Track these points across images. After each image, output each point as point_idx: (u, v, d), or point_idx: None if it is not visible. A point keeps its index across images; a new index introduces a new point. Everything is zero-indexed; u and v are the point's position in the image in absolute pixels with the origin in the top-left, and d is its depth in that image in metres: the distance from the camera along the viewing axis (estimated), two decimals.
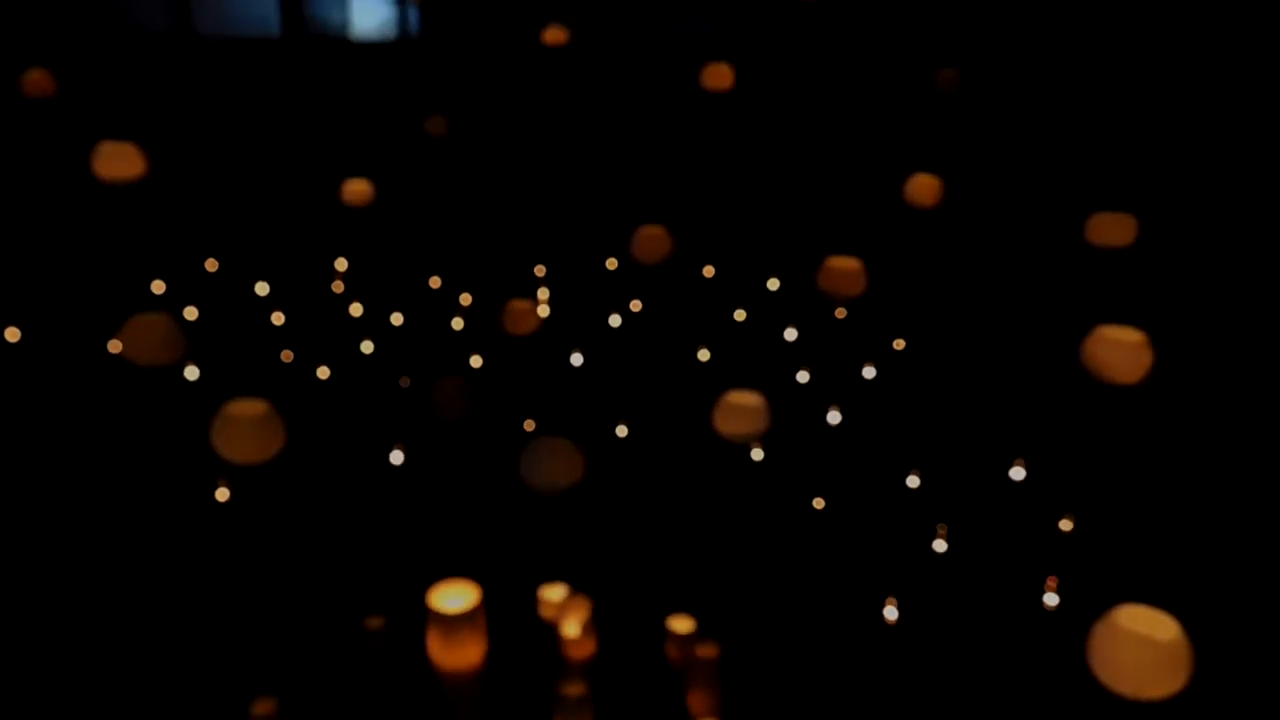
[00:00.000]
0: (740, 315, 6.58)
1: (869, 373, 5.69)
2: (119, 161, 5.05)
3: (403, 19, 9.26)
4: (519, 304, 5.28)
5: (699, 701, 3.14)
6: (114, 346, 5.53)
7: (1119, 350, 3.69)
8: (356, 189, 6.11)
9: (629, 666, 3.34)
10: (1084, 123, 7.56)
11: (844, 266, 4.86)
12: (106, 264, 6.71)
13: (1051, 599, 3.87)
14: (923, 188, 5.53)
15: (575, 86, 8.70)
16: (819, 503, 4.56)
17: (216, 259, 7.05)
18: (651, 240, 5.43)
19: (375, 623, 3.28)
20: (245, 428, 3.30)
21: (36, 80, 5.99)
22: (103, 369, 5.58)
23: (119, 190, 5.10)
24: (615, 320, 6.48)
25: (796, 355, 5.98)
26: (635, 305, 6.71)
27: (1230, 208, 6.86)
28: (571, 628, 3.13)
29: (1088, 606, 2.70)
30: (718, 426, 3.93)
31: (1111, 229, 5.00)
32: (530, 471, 3.39)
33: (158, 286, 6.51)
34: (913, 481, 4.66)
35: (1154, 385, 3.84)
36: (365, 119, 8.51)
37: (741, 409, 3.89)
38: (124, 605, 3.78)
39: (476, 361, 5.87)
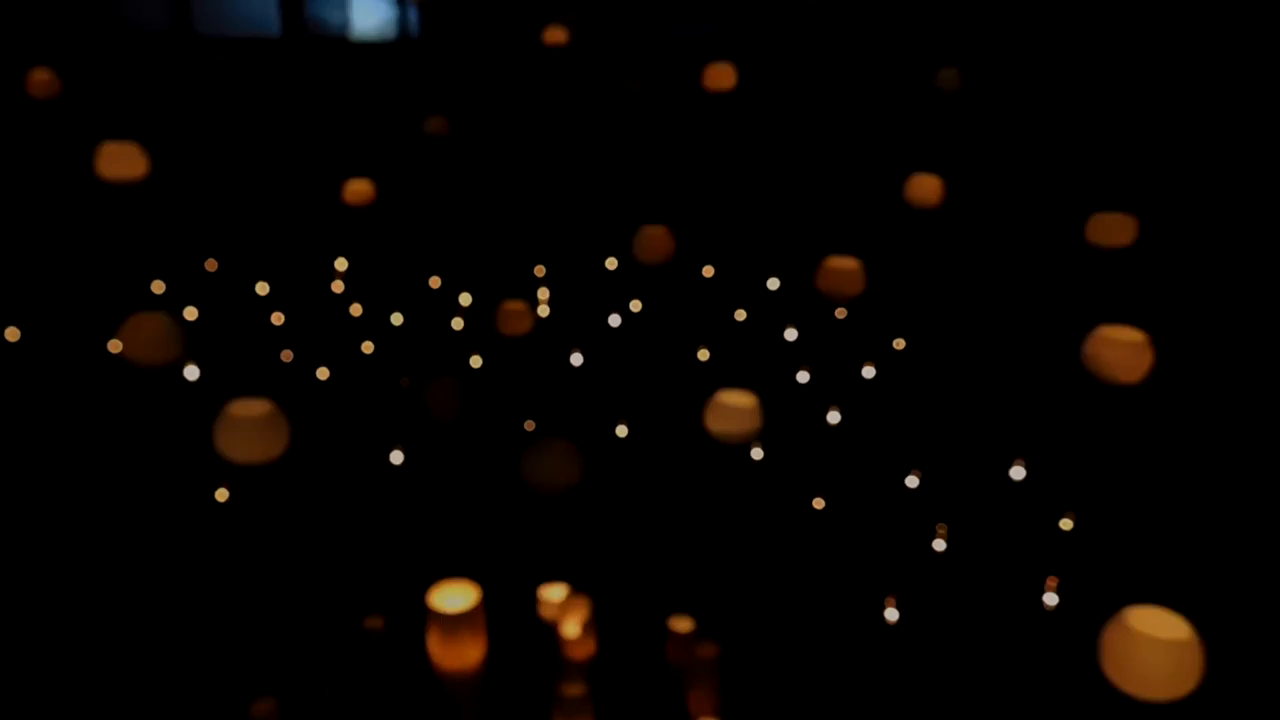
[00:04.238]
0: (740, 315, 6.58)
1: (869, 373, 5.69)
2: (122, 161, 5.04)
3: (403, 19, 9.26)
4: (512, 304, 5.28)
5: (699, 701, 3.14)
6: (114, 346, 5.53)
7: (1120, 350, 3.68)
8: (357, 189, 6.11)
9: (629, 666, 3.34)
10: (1084, 123, 7.56)
11: (843, 266, 4.86)
12: (107, 264, 6.71)
13: (1051, 599, 3.87)
14: (924, 187, 5.52)
15: (576, 87, 8.69)
16: (819, 503, 4.56)
17: (216, 259, 7.06)
18: (653, 240, 5.42)
19: (375, 623, 3.27)
20: (249, 428, 3.28)
21: (42, 80, 5.99)
22: (103, 369, 5.58)
23: (121, 190, 5.09)
24: (615, 320, 6.48)
25: (796, 355, 5.98)
26: (635, 305, 6.70)
27: (1230, 208, 6.86)
28: (571, 628, 3.13)
29: (1088, 607, 2.70)
30: (708, 426, 3.93)
31: (1111, 229, 5.00)
32: (530, 471, 3.40)
33: (158, 286, 6.51)
34: (913, 481, 4.66)
35: (1155, 385, 3.84)
36: (365, 119, 8.52)
37: (732, 409, 3.88)
38: (124, 605, 3.78)
39: (476, 362, 5.87)
